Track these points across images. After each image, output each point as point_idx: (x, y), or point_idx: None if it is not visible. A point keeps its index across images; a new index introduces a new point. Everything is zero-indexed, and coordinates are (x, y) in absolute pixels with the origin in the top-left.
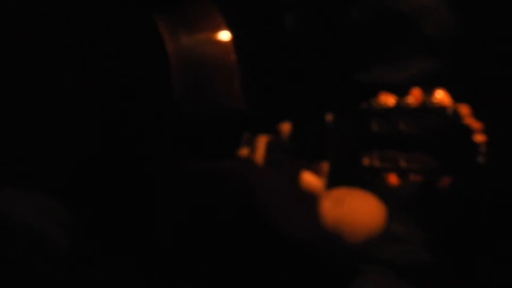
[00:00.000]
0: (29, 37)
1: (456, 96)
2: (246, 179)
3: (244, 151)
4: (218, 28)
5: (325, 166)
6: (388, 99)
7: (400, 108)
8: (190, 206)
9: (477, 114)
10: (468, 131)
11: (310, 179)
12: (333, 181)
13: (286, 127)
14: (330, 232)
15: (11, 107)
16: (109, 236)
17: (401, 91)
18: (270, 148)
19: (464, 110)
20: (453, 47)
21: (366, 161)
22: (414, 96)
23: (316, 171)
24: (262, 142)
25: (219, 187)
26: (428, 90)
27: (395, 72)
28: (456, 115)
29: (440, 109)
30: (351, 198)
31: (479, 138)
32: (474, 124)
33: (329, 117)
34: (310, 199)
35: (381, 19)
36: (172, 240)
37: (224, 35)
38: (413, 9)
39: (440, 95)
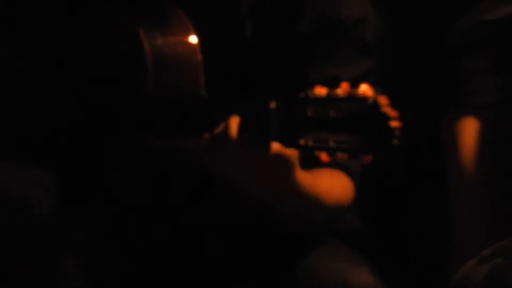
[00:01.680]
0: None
1: (383, 89)
2: (201, 155)
3: (219, 129)
4: (188, 33)
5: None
6: (321, 90)
7: (330, 98)
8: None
9: (394, 104)
10: (385, 118)
11: (281, 148)
12: None
13: (234, 120)
14: (304, 197)
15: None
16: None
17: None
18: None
19: (383, 100)
20: (384, 49)
21: (302, 142)
22: (343, 89)
23: None
24: (234, 121)
25: (178, 159)
26: (355, 83)
27: (342, 71)
28: (376, 104)
29: (363, 99)
30: (325, 171)
31: (395, 124)
32: (391, 112)
33: (272, 104)
34: (283, 168)
35: (327, 28)
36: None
37: (193, 39)
38: (353, 19)
39: (364, 88)
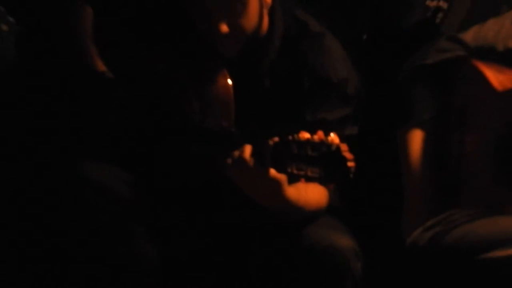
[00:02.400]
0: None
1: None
2: (226, 168)
3: (238, 153)
4: (225, 82)
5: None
6: (304, 135)
7: (309, 141)
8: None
9: (351, 150)
10: (344, 160)
11: (276, 173)
12: None
13: (247, 148)
14: (290, 205)
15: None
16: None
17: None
18: (252, 152)
19: (344, 147)
20: (359, 98)
21: (289, 169)
22: (318, 135)
23: None
24: (248, 149)
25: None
26: (327, 132)
27: (329, 114)
28: (339, 149)
29: (331, 145)
30: (306, 186)
31: (350, 164)
32: (348, 155)
33: (270, 142)
34: (276, 186)
35: (321, 85)
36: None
37: (228, 87)
38: (339, 79)
39: (332, 136)
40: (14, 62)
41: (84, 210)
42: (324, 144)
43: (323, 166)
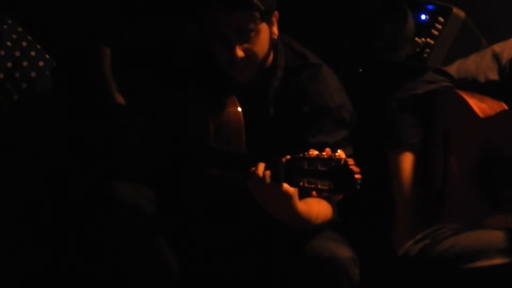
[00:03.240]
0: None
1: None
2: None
3: (252, 169)
4: (236, 109)
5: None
6: (313, 152)
7: (318, 157)
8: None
9: (357, 163)
10: (352, 172)
11: (288, 187)
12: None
13: (261, 166)
14: (300, 217)
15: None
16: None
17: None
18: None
19: (351, 161)
20: (354, 124)
21: (300, 183)
22: (326, 152)
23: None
24: (261, 166)
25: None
26: (334, 149)
27: (328, 138)
28: (346, 163)
29: (338, 160)
30: (315, 200)
31: (357, 176)
32: (355, 169)
33: (283, 159)
34: (288, 199)
35: (320, 111)
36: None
37: (239, 113)
38: (335, 105)
39: (339, 152)
40: (50, 93)
41: (117, 224)
42: (333, 159)
43: (332, 179)
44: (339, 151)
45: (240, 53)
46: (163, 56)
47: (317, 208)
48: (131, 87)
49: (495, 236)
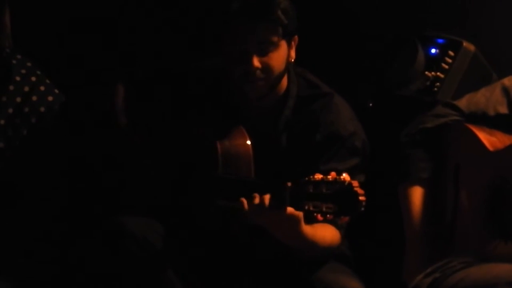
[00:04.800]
0: None
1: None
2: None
3: (257, 198)
4: (245, 140)
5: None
6: (319, 175)
7: (323, 181)
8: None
9: (361, 185)
10: (356, 194)
11: (292, 210)
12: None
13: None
14: (306, 242)
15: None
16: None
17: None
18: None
19: (355, 183)
20: (366, 152)
21: (306, 207)
22: (331, 175)
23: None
24: (268, 195)
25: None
26: (339, 172)
27: (339, 165)
28: (351, 186)
29: (343, 182)
30: (321, 225)
31: (362, 198)
32: (359, 191)
33: (289, 183)
34: (294, 223)
35: (332, 139)
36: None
37: (248, 144)
38: (347, 133)
39: (344, 175)
40: (59, 128)
41: (126, 256)
42: (338, 182)
43: (337, 201)
44: (344, 174)
45: (256, 63)
46: (176, 84)
47: (323, 231)
48: (142, 121)
49: (506, 269)
